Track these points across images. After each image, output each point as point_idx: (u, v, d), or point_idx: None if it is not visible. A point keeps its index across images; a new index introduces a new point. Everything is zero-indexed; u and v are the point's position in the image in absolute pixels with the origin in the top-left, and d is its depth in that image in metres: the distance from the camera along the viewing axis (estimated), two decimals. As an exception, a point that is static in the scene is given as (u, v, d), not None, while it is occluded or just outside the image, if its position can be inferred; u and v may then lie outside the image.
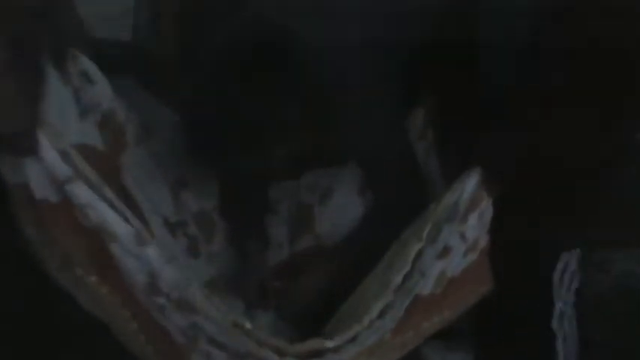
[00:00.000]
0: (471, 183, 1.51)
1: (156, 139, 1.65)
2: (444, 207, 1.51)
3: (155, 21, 1.68)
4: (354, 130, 1.60)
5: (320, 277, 1.63)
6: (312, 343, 1.46)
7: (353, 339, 1.46)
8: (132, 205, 1.57)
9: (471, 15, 1.55)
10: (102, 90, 1.56)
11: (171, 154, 1.64)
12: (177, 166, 1.64)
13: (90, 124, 1.54)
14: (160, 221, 1.62)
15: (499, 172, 1.52)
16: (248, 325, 1.42)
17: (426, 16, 1.56)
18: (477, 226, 1.52)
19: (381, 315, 1.47)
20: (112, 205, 1.43)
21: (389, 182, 1.63)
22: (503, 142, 1.53)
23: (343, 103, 1.60)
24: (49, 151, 1.40)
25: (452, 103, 1.60)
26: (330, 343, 1.45)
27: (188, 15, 1.65)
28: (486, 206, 1.53)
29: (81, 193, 1.41)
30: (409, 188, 1.62)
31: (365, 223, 1.65)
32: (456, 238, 1.51)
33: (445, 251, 1.51)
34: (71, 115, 1.51)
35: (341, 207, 1.67)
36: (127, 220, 1.44)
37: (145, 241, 1.43)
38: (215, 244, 1.67)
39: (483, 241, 1.55)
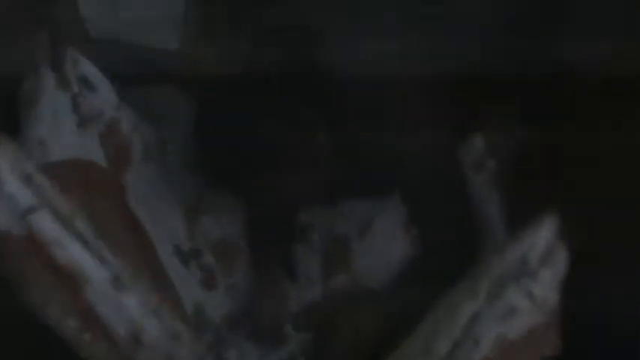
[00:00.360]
0: (545, 233, 1.35)
1: (170, 154, 1.54)
2: (509, 260, 1.35)
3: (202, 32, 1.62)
4: (397, 156, 1.51)
5: (354, 329, 1.51)
6: None
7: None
8: (137, 230, 1.46)
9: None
10: (105, 97, 1.47)
11: (187, 172, 1.54)
12: (194, 186, 1.54)
13: (90, 136, 1.46)
14: (170, 250, 1.51)
15: (582, 222, 1.36)
16: None
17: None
18: (548, 284, 1.36)
19: None
20: (83, 242, 1.31)
21: (437, 219, 1.52)
22: (589, 183, 1.39)
23: (384, 126, 1.51)
24: (8, 175, 1.29)
25: (520, 127, 1.49)
26: None
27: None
28: (562, 261, 1.36)
29: (46, 226, 1.30)
30: (461, 227, 1.50)
31: (409, 266, 1.54)
32: (523, 297, 1.35)
33: (508, 313, 1.35)
34: (67, 124, 1.44)
35: (381, 243, 1.55)
36: (102, 259, 1.31)
37: (123, 287, 1.31)
38: (235, 275, 1.55)
39: (554, 300, 1.37)
